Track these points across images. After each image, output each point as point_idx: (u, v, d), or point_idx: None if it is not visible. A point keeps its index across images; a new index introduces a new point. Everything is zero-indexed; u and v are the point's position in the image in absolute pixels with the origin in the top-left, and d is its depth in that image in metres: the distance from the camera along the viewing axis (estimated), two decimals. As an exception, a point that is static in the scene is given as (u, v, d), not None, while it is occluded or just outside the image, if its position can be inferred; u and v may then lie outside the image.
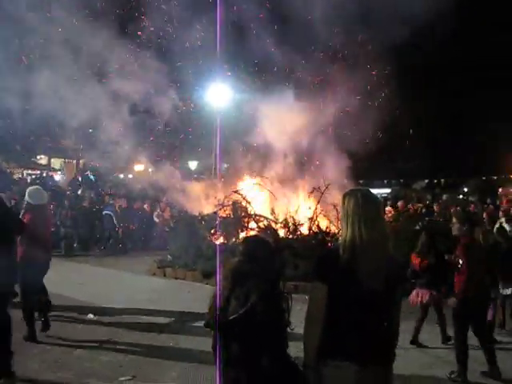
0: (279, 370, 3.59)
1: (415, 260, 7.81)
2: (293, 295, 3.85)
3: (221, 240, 13.07)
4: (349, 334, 3.17)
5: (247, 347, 3.60)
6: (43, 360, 6.95)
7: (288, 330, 3.72)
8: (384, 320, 3.24)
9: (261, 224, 13.10)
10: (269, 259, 3.83)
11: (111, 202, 19.73)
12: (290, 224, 13.07)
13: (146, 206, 20.52)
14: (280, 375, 3.58)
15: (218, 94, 16.73)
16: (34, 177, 29.46)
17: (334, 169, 14.92)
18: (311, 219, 13.19)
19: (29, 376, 6.34)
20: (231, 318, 3.62)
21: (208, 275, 12.20)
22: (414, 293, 7.74)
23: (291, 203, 14.09)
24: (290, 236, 12.91)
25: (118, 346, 7.57)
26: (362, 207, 3.24)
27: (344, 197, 3.36)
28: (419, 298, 7.66)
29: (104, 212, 18.93)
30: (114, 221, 18.53)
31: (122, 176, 34.18)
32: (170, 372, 6.56)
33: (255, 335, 3.57)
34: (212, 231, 13.47)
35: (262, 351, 3.60)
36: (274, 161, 15.19)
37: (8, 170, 27.63)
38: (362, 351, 3.15)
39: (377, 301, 3.18)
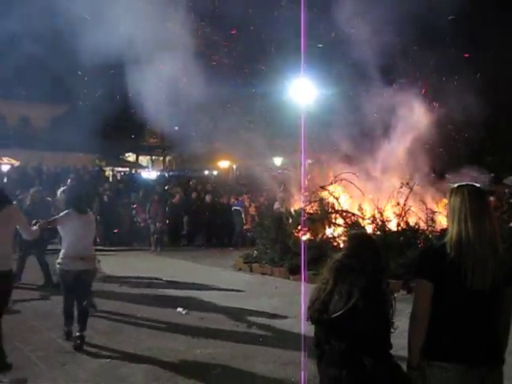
0: (381, 371, 3.52)
1: None
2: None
3: (307, 236, 13.03)
4: (454, 334, 3.08)
5: (349, 346, 3.55)
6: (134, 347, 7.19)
7: (391, 330, 3.65)
8: (491, 321, 3.13)
9: (348, 220, 12.95)
10: (374, 256, 3.77)
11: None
12: (378, 220, 12.83)
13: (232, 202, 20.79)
14: (382, 376, 3.51)
15: (304, 90, 16.60)
16: (122, 174, 30.49)
17: (420, 164, 14.56)
18: (399, 215, 12.91)
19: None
20: (334, 315, 3.58)
21: (294, 271, 12.23)
22: None
23: (379, 199, 13.81)
24: (378, 232, 12.67)
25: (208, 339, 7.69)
26: (469, 203, 3.13)
27: (451, 193, 3.26)
28: None
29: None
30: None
31: (206, 172, 34.86)
32: (257, 368, 6.58)
33: (358, 334, 3.52)
34: (299, 227, 13.43)
35: (365, 351, 3.54)
36: (360, 156, 14.96)
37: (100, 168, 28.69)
38: (467, 352, 3.06)
39: (484, 300, 3.08)
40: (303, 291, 8.14)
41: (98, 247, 16.32)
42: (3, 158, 29.43)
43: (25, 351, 6.89)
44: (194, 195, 20.76)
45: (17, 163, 28.42)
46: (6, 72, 28.44)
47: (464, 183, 3.34)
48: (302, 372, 3.77)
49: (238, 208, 19.24)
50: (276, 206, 17.46)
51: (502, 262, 3.13)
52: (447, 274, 3.08)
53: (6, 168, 26.08)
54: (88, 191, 8.73)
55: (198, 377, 6.23)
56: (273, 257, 13.47)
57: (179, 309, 9.30)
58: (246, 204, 19.67)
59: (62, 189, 16.37)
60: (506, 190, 23.74)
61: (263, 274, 13.23)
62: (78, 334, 7.15)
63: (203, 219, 19.34)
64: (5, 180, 21.98)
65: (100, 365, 6.54)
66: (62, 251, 7.31)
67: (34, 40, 15.31)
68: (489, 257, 3.08)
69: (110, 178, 27.06)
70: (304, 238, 12.98)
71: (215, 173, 35.40)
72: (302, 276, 10.04)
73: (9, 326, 6.78)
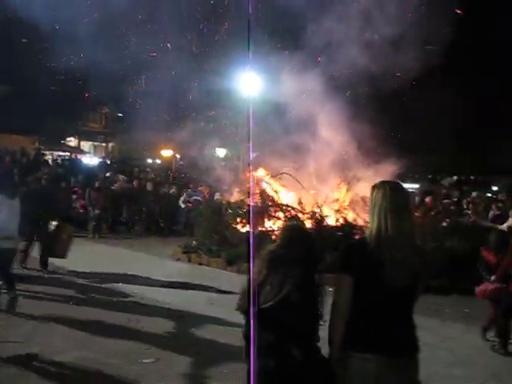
0: (309, 363, 3.57)
1: (488, 255, 7.83)
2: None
3: (246, 228, 13.08)
4: (373, 326, 3.17)
5: (278, 337, 3.58)
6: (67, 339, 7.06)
7: (320, 322, 3.70)
8: (408, 314, 3.26)
9: (288, 214, 13.07)
10: (308, 248, 3.81)
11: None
12: (317, 215, 13.00)
13: (172, 191, 20.68)
14: (309, 368, 3.57)
15: (249, 81, 16.58)
16: (63, 158, 29.82)
17: (363, 162, 14.77)
18: (338, 211, 13.13)
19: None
20: (264, 306, 3.60)
21: (232, 262, 12.28)
22: (482, 286, 7.73)
23: (319, 195, 13.99)
24: (316, 226, 12.84)
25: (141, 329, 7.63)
26: (390, 198, 3.24)
27: (373, 188, 3.37)
28: (487, 290, 7.61)
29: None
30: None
31: (149, 161, 34.54)
32: (191, 357, 6.59)
33: (287, 325, 3.55)
34: (238, 219, 13.47)
35: (293, 343, 3.58)
36: (304, 151, 15.07)
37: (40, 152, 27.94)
38: (385, 344, 3.15)
39: (401, 294, 3.19)
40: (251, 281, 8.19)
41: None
42: None
43: None
44: (135, 183, 20.52)
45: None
46: None
47: (386, 180, 3.46)
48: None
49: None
50: (216, 196, 17.48)
51: (421, 259, 3.25)
52: (367, 268, 3.16)
53: None
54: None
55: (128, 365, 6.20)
56: (210, 247, 13.48)
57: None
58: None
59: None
60: (444, 191, 24.49)
61: (200, 264, 13.22)
62: None
63: (143, 207, 19.17)
64: None
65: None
66: None
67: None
68: (407, 252, 3.17)
69: (50, 162, 26.35)
70: (243, 229, 13.05)
71: (158, 161, 35.10)
72: (250, 267, 10.11)
73: None
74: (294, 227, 4.35)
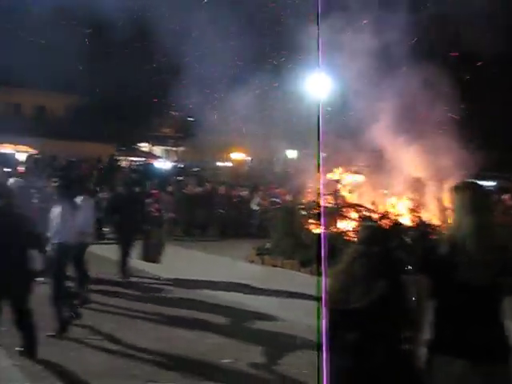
0: (392, 362, 3.51)
1: None
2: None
3: (320, 229, 13.01)
4: (454, 327, 3.10)
5: (364, 337, 3.53)
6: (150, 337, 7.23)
7: (405, 323, 3.64)
8: (492, 316, 3.14)
9: (361, 214, 12.92)
10: (393, 248, 3.75)
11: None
12: (391, 215, 12.78)
13: (244, 194, 20.84)
14: (392, 368, 3.50)
15: (319, 82, 16.45)
16: (137, 164, 30.61)
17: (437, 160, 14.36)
18: (413, 211, 12.86)
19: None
20: (355, 305, 3.56)
21: (306, 264, 12.23)
22: None
23: (393, 194, 13.75)
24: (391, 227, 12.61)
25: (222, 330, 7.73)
26: (470, 199, 3.20)
27: (453, 189, 3.35)
28: None
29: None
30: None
31: (220, 164, 34.92)
32: (269, 358, 6.62)
33: (375, 326, 3.51)
34: (311, 220, 13.41)
35: (379, 342, 3.53)
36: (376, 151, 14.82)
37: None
38: (468, 346, 3.05)
39: (483, 293, 3.10)
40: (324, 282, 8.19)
41: (110, 235, 16.54)
42: (20, 147, 29.62)
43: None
44: (208, 186, 20.83)
45: (33, 152, 28.64)
46: (21, 60, 28.69)
47: (466, 180, 3.42)
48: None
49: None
50: (287, 198, 17.50)
51: (503, 258, 3.15)
52: (446, 269, 3.11)
53: (22, 156, 26.21)
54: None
55: (207, 367, 6.28)
56: (284, 249, 13.48)
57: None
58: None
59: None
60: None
61: (275, 266, 13.24)
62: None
63: (216, 210, 19.42)
64: (22, 168, 22.17)
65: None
66: None
67: (50, 29, 15.48)
68: (488, 253, 3.10)
69: (125, 168, 27.15)
70: (317, 231, 12.98)
71: (229, 164, 35.45)
72: (323, 268, 10.07)
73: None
74: (378, 226, 4.30)
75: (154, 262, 11.10)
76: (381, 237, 3.85)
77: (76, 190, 8.57)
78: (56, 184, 8.51)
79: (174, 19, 14.58)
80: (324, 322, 3.65)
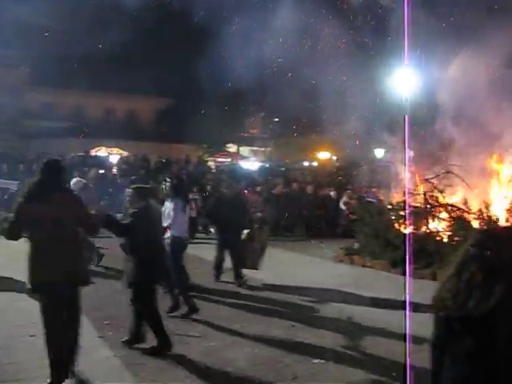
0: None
1: None
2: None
3: (410, 229, 12.81)
4: None
5: (483, 343, 3.45)
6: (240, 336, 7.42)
7: None
8: None
9: (453, 214, 12.62)
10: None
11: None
12: (485, 215, 12.38)
13: (332, 194, 20.79)
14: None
15: (407, 78, 16.08)
16: (225, 164, 31.15)
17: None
18: (509, 210, 12.42)
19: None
20: (472, 311, 3.47)
21: (396, 264, 12.08)
22: None
23: (487, 193, 13.32)
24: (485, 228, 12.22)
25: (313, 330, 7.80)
26: None
27: None
28: None
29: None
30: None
31: (306, 164, 34.92)
32: (359, 359, 6.63)
33: (496, 333, 3.42)
34: (401, 220, 13.23)
35: (499, 349, 3.44)
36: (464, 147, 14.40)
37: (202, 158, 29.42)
38: None
39: None
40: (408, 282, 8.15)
41: (201, 235, 16.99)
42: (112, 149, 30.99)
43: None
44: (295, 186, 20.94)
45: (125, 154, 29.87)
46: (113, 66, 29.91)
47: None
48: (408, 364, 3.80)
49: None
50: (377, 197, 17.28)
51: None
52: None
53: (115, 158, 27.37)
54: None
55: (300, 364, 6.38)
56: (373, 249, 13.37)
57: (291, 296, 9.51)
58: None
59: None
60: None
61: (364, 266, 13.15)
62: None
63: (304, 210, 19.50)
64: (114, 170, 23.17)
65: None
66: None
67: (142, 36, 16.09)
68: None
69: (213, 169, 27.73)
70: (406, 231, 12.79)
71: (314, 164, 35.37)
72: (406, 269, 9.94)
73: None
74: (498, 228, 4.20)
75: (255, 268, 10.73)
76: (496, 240, 3.73)
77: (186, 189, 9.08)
78: (168, 183, 8.90)
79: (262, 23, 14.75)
80: (407, 323, 3.61)
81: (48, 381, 5.32)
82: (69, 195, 5.83)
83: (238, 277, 10.76)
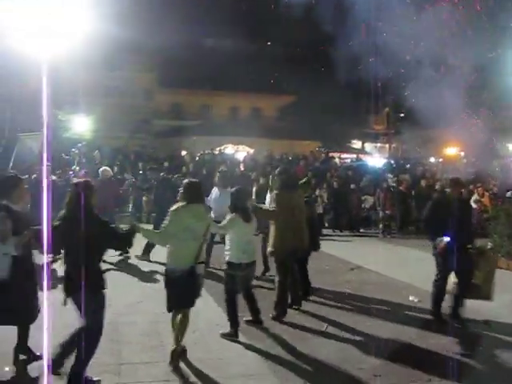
0: None
1: None
2: None
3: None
4: None
5: None
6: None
7: None
8: None
9: None
10: None
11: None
12: None
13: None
14: None
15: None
16: (349, 160, 30.99)
17: None
18: None
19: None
20: None
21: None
22: None
23: None
24: None
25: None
26: None
27: None
28: None
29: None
30: None
31: (433, 160, 33.93)
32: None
33: None
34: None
35: None
36: None
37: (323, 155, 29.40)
38: None
39: None
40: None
41: (326, 232, 17.10)
42: (239, 146, 31.87)
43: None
44: (423, 182, 20.46)
45: (251, 151, 30.63)
46: (238, 65, 30.74)
47: None
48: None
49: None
50: (508, 195, 16.51)
51: None
52: None
53: (241, 155, 28.05)
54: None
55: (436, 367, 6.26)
56: (509, 250, 12.79)
57: (411, 297, 9.33)
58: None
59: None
60: None
61: (499, 267, 12.60)
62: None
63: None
64: (241, 167, 23.81)
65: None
66: None
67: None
68: None
69: (338, 165, 27.71)
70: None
71: (441, 160, 34.25)
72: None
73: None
74: None
75: (484, 298, 8.05)
76: None
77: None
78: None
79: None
80: None
81: None
82: None
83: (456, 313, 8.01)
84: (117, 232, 5.73)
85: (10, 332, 5.65)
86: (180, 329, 6.13)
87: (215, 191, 11.49)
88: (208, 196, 10.90)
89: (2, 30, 9.77)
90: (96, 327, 5.31)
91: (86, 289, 5.03)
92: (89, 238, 5.07)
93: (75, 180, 6.73)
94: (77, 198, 5.25)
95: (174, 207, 6.26)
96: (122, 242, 5.92)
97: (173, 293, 6.09)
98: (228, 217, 7.16)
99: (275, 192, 8.30)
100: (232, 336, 6.94)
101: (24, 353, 5.74)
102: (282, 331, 7.32)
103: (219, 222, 7.31)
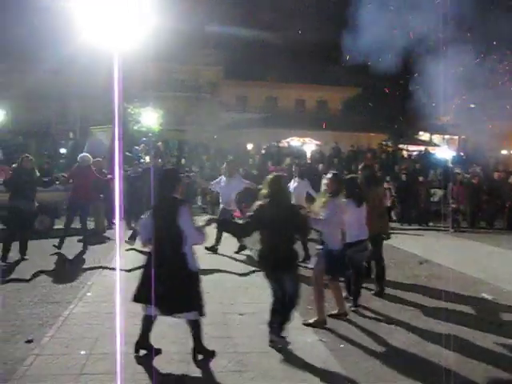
0: None
1: None
2: None
3: None
4: None
5: None
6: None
7: None
8: None
9: None
10: None
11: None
12: None
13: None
14: None
15: None
16: (417, 153, 30.34)
17: None
18: None
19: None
20: None
21: None
22: None
23: None
24: None
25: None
26: None
27: None
28: None
29: None
30: None
31: (504, 152, 32.91)
32: None
33: None
34: None
35: None
36: None
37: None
38: None
39: None
40: None
41: (394, 225, 16.80)
42: (305, 139, 31.77)
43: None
44: (496, 175, 19.84)
45: (318, 143, 30.54)
46: (303, 58, 30.57)
47: None
48: None
49: None
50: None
51: None
52: None
53: (308, 148, 27.95)
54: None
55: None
56: None
57: (484, 294, 9.07)
58: None
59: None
60: None
61: None
62: None
63: (505, 201, 18.41)
64: (308, 159, 23.82)
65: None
66: None
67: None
68: None
69: (406, 158, 27.25)
70: None
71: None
72: None
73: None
74: None
75: None
76: None
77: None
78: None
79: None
80: None
81: None
82: None
83: None
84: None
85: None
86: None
87: (223, 180, 11.89)
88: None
89: (76, 26, 10.08)
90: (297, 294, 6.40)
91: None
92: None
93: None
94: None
95: None
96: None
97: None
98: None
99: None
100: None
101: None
102: (358, 321, 7.35)
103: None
